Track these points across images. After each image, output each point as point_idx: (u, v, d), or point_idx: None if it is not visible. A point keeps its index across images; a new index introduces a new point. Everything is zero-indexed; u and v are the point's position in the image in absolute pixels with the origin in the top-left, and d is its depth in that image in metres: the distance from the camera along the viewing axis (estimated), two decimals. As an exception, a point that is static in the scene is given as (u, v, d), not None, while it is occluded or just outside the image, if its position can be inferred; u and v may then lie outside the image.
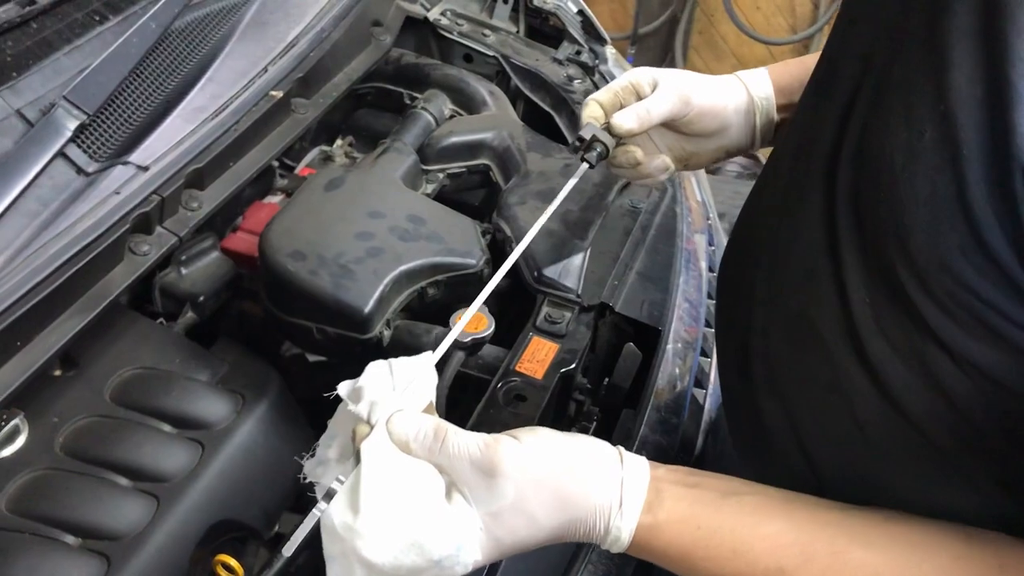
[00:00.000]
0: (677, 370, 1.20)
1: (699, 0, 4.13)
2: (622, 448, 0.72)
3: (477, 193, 1.53)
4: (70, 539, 0.90)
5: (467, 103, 1.57)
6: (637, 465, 0.70)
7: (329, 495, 0.65)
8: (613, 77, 1.65)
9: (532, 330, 1.15)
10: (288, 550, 0.65)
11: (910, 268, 0.56)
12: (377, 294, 1.11)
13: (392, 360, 0.72)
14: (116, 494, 0.94)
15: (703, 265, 1.42)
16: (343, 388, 0.72)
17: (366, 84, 1.60)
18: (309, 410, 1.11)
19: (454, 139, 1.44)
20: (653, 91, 0.99)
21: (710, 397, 1.25)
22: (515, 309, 1.26)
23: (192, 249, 1.24)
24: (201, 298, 1.21)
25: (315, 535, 0.65)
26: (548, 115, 1.64)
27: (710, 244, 1.52)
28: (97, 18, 1.22)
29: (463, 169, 1.46)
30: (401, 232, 1.19)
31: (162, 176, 1.11)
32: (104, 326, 1.06)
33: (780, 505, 0.69)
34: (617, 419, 1.13)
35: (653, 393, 1.14)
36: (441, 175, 1.44)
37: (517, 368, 1.08)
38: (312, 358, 1.18)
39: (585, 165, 0.99)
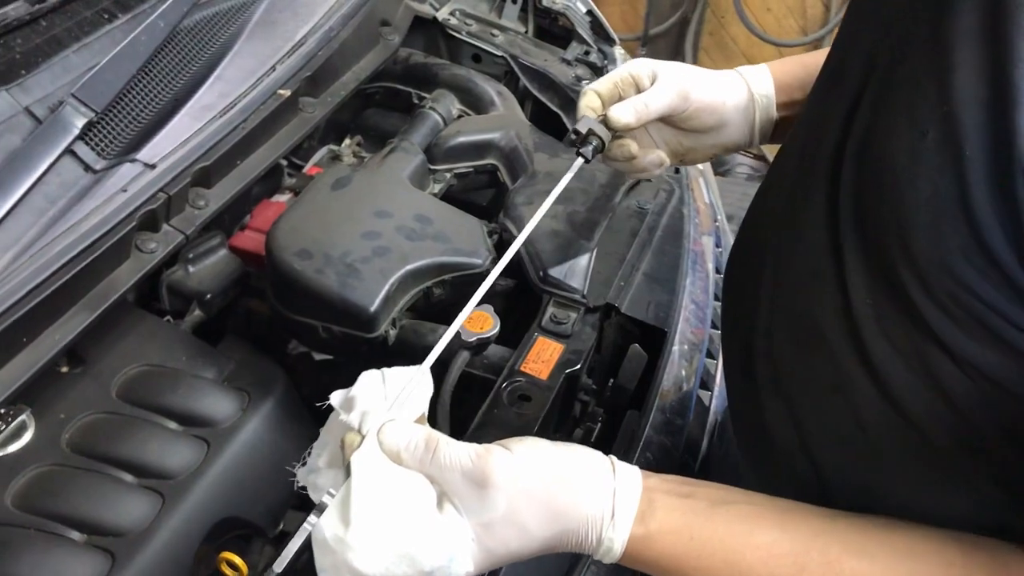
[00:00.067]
0: (683, 372, 1.20)
1: (710, 1, 4.12)
2: (614, 458, 0.71)
3: (484, 193, 1.53)
4: (75, 535, 0.91)
5: (475, 103, 1.57)
6: (629, 475, 0.70)
7: (320, 508, 0.65)
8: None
9: (537, 330, 1.15)
10: (279, 566, 0.64)
11: (911, 269, 0.56)
12: (383, 293, 1.11)
13: (385, 369, 0.72)
14: (121, 491, 0.95)
15: (710, 266, 1.42)
16: (335, 397, 0.71)
17: (374, 84, 1.60)
18: (315, 408, 1.11)
19: (462, 139, 1.44)
20: (652, 84, 0.98)
21: (715, 399, 1.25)
22: (521, 309, 1.26)
23: (199, 247, 1.25)
24: (208, 296, 1.22)
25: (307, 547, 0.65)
26: (556, 115, 1.64)
27: (717, 246, 1.52)
28: (106, 16, 1.23)
29: (470, 169, 1.46)
30: (408, 232, 1.19)
31: (169, 174, 1.11)
32: (111, 323, 1.07)
33: (773, 514, 0.69)
34: (622, 420, 1.13)
35: (658, 394, 1.13)
36: (448, 175, 1.44)
37: (522, 368, 1.08)
38: (318, 357, 1.19)
39: (580, 160, 0.98)
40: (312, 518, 0.64)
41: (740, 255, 0.89)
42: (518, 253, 1.24)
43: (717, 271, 1.43)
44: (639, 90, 0.99)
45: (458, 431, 1.01)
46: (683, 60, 4.22)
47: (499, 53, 1.68)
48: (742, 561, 0.66)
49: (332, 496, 0.65)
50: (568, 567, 0.93)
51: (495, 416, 1.02)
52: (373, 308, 1.10)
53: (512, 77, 1.69)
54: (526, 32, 1.77)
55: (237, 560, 0.94)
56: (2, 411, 0.95)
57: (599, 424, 1.16)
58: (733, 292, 0.91)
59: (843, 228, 0.63)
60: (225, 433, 1.02)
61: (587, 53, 1.70)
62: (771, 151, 1.00)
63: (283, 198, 1.38)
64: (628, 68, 1.00)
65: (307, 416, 1.10)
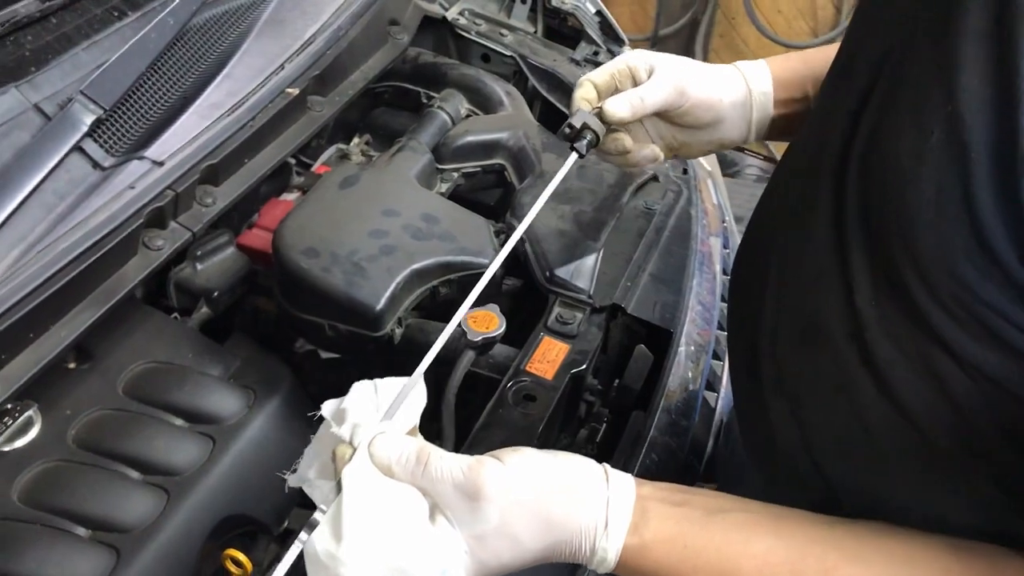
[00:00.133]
0: (689, 373, 1.20)
1: (720, 3, 4.11)
2: (607, 466, 0.71)
3: (492, 193, 1.53)
4: (81, 531, 0.91)
5: (484, 103, 1.57)
6: (623, 484, 0.69)
7: (311, 525, 0.64)
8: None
9: (543, 330, 1.15)
10: None
11: (915, 270, 0.56)
12: (389, 292, 1.11)
13: (377, 380, 0.71)
14: (127, 487, 0.95)
15: (717, 268, 1.42)
16: (327, 408, 0.70)
17: (383, 83, 1.60)
18: (319, 407, 1.11)
19: (469, 138, 1.44)
20: (649, 77, 0.97)
21: (721, 400, 1.25)
22: (527, 309, 1.26)
23: (207, 245, 1.25)
24: (215, 293, 1.22)
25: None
26: (565, 116, 1.63)
27: (725, 247, 1.51)
28: (116, 14, 1.23)
29: (478, 169, 1.46)
30: (414, 231, 1.20)
31: (177, 171, 1.11)
32: (119, 320, 1.07)
33: (769, 522, 0.68)
34: (627, 421, 1.13)
35: (664, 395, 1.13)
36: (456, 174, 1.44)
37: (527, 368, 1.08)
38: (325, 355, 1.19)
39: (575, 155, 0.96)
40: (303, 535, 0.64)
41: (746, 255, 0.89)
42: (524, 253, 1.25)
43: (724, 272, 1.43)
44: (636, 83, 0.98)
45: (463, 431, 1.01)
46: (693, 61, 4.22)
47: (508, 53, 1.68)
48: (738, 570, 0.65)
49: (324, 512, 0.64)
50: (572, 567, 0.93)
51: (500, 416, 1.02)
52: (379, 307, 1.10)
53: (521, 77, 1.69)
54: (535, 32, 1.77)
55: (241, 557, 0.94)
56: (9, 406, 0.96)
57: (604, 424, 1.16)
58: (739, 292, 0.91)
59: (848, 228, 0.63)
60: (231, 430, 1.02)
61: (596, 53, 1.70)
62: (780, 152, 0.99)
63: (291, 196, 1.39)
64: (625, 60, 0.99)
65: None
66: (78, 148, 1.06)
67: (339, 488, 0.64)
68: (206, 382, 1.06)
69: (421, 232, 1.20)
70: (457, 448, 0.99)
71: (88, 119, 1.07)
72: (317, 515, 0.64)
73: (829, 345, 0.65)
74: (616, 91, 0.98)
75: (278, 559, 0.65)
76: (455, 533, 0.65)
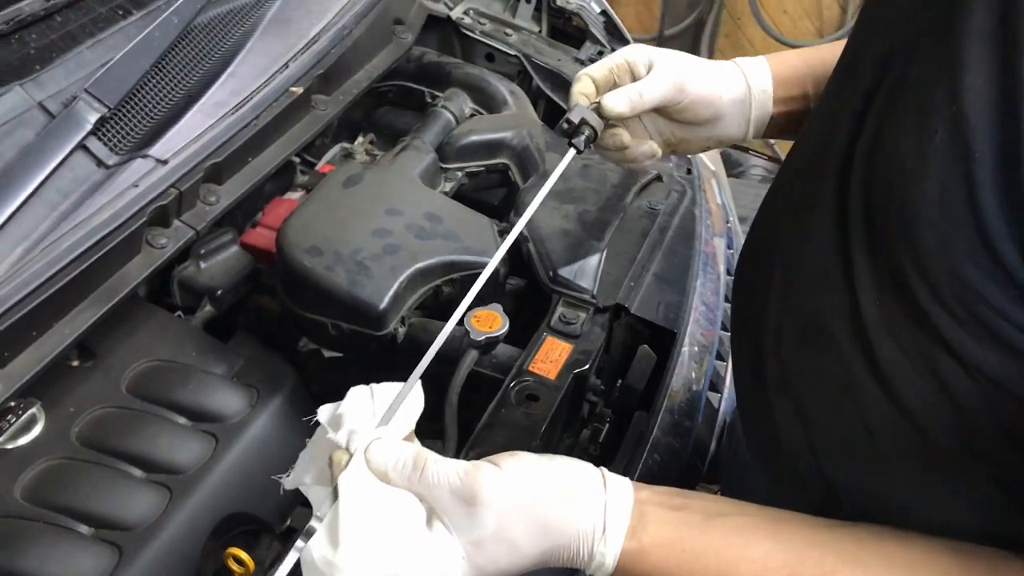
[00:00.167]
0: (692, 373, 1.20)
1: (726, 3, 4.11)
2: (605, 470, 0.70)
3: (496, 192, 1.53)
4: (83, 528, 0.91)
5: (488, 102, 1.57)
6: (620, 488, 0.69)
7: (308, 533, 0.64)
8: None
9: (546, 330, 1.15)
10: None
11: (919, 271, 0.56)
12: (392, 291, 1.11)
13: (374, 385, 0.71)
14: (130, 485, 0.95)
15: (721, 268, 1.41)
16: (323, 413, 0.70)
17: (387, 82, 1.60)
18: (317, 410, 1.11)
19: (473, 138, 1.44)
20: (648, 72, 0.96)
21: (725, 401, 1.25)
22: (530, 309, 1.26)
23: (211, 243, 1.25)
24: (219, 292, 1.22)
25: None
26: (569, 116, 1.63)
27: (729, 247, 1.51)
28: (120, 12, 1.23)
29: (482, 168, 1.46)
30: (418, 230, 1.19)
31: (180, 170, 1.11)
32: (122, 318, 1.07)
33: (767, 525, 0.68)
34: (630, 421, 1.13)
35: (667, 396, 1.13)
36: (460, 174, 1.44)
37: (530, 368, 1.08)
38: (328, 354, 1.19)
39: (573, 151, 0.96)
40: (300, 543, 0.63)
41: (750, 255, 0.89)
42: (528, 252, 1.25)
43: (728, 273, 1.43)
44: (634, 78, 0.97)
45: (465, 430, 1.01)
46: (698, 61, 4.22)
47: (512, 52, 1.68)
48: (736, 574, 0.65)
49: (320, 520, 0.64)
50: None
51: (503, 416, 1.02)
52: (382, 306, 1.10)
53: (525, 77, 1.69)
54: (540, 32, 1.77)
55: (244, 555, 0.94)
56: (12, 404, 0.96)
57: (607, 425, 1.15)
58: (743, 292, 0.90)
59: (852, 228, 0.63)
60: (234, 429, 1.03)
61: (600, 53, 1.70)
62: (785, 152, 0.98)
63: (295, 195, 1.39)
64: (624, 54, 0.98)
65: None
66: (82, 146, 1.06)
67: (336, 495, 0.64)
68: (209, 380, 1.06)
69: (425, 231, 1.20)
70: (460, 447, 0.99)
71: (92, 117, 1.07)
72: (314, 522, 0.64)
73: (832, 345, 0.65)
74: (614, 86, 0.97)
75: (279, 560, 0.65)
76: (452, 539, 0.64)
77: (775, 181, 0.86)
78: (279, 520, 1.03)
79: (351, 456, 0.65)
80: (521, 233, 1.26)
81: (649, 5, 4.26)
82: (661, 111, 0.99)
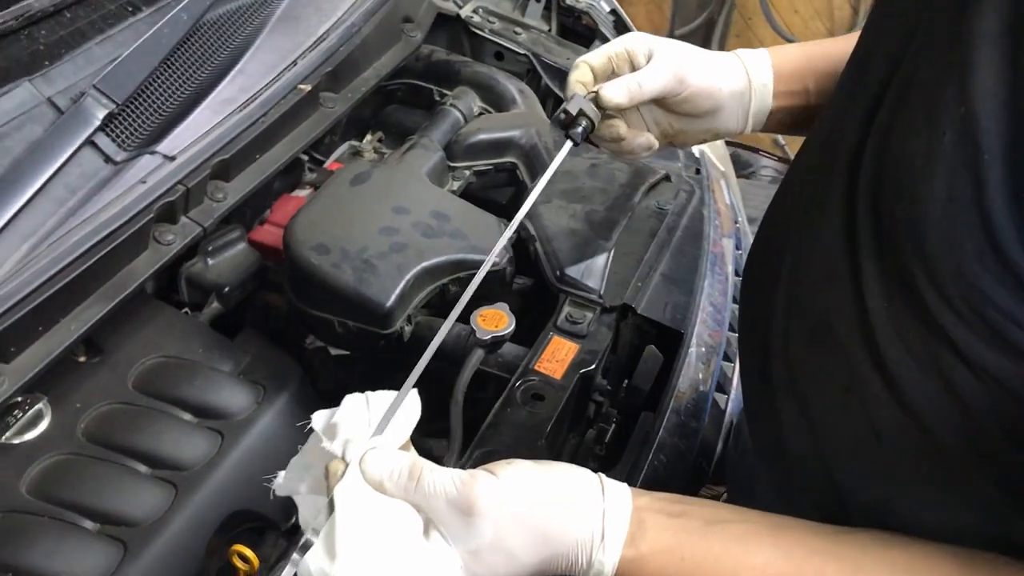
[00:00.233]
0: (699, 374, 1.19)
1: (736, 3, 4.10)
2: (603, 476, 0.70)
3: (503, 191, 1.53)
4: (88, 524, 0.91)
5: (496, 101, 1.57)
6: (619, 495, 0.68)
7: (306, 546, 0.63)
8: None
9: (553, 329, 1.14)
10: None
11: (927, 273, 0.55)
12: (399, 289, 1.11)
13: (369, 393, 0.70)
14: (135, 481, 0.95)
15: (729, 269, 1.41)
16: (318, 421, 0.69)
17: (396, 80, 1.60)
18: (330, 403, 1.11)
19: (481, 136, 1.44)
20: (648, 62, 0.95)
21: (731, 402, 1.24)
22: (537, 308, 1.26)
23: (219, 240, 1.25)
24: (226, 289, 1.22)
25: None
26: (578, 116, 1.63)
27: (737, 248, 1.50)
28: (130, 9, 1.24)
29: (490, 167, 1.45)
30: (425, 228, 1.19)
31: (188, 166, 1.11)
32: (129, 314, 1.07)
33: (768, 532, 0.67)
34: (636, 422, 1.13)
35: (673, 396, 1.13)
36: (467, 172, 1.44)
37: (536, 367, 1.08)
38: (334, 352, 1.19)
39: (570, 143, 0.95)
40: (296, 556, 0.63)
41: (759, 254, 0.89)
42: (535, 252, 1.24)
43: (736, 274, 1.42)
44: (634, 67, 0.96)
45: (471, 429, 1.01)
46: (708, 61, 4.21)
47: (522, 51, 1.68)
48: None
49: (316, 533, 0.63)
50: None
51: (508, 415, 1.02)
52: (388, 304, 1.10)
53: (534, 75, 1.69)
54: (549, 30, 1.77)
55: (248, 553, 0.94)
56: (19, 399, 0.96)
57: (613, 425, 1.15)
58: (751, 292, 0.90)
59: (859, 228, 0.62)
60: (240, 426, 1.03)
61: (610, 52, 1.69)
62: (795, 152, 0.98)
63: (303, 193, 1.39)
64: (624, 42, 0.97)
65: (322, 411, 1.11)
66: (90, 142, 1.06)
67: (332, 505, 0.63)
68: (216, 377, 1.06)
69: (432, 230, 1.20)
70: (465, 446, 0.99)
71: (100, 113, 1.07)
72: (310, 535, 0.64)
73: (839, 345, 0.65)
74: (613, 74, 0.96)
75: (276, 570, 0.64)
76: (450, 549, 0.64)
77: (785, 179, 0.86)
78: (284, 518, 1.03)
79: (347, 466, 0.65)
80: (528, 232, 1.27)
81: (659, 4, 4.25)
82: (659, 102, 0.97)
